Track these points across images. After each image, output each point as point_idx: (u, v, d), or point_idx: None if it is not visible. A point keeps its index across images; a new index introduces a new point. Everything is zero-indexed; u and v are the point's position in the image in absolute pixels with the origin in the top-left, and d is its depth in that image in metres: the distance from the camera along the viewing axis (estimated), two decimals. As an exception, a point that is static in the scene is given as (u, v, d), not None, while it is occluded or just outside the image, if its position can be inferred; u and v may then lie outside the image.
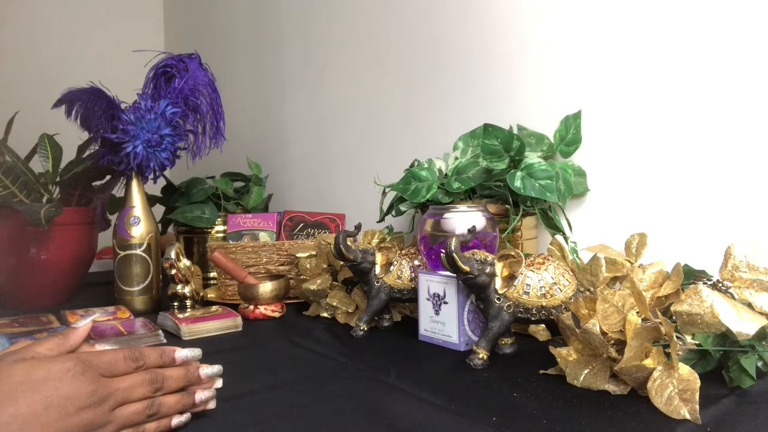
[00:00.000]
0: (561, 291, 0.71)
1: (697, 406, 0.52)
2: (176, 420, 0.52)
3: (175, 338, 0.88)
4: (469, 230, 0.74)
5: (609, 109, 0.93)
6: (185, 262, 1.00)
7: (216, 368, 0.56)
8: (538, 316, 0.71)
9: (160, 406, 0.50)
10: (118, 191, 1.23)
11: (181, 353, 0.54)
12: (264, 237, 1.29)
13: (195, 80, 1.15)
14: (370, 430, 0.52)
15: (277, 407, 0.58)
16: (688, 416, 0.52)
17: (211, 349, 0.81)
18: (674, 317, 0.58)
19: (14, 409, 0.41)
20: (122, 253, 1.09)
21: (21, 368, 0.44)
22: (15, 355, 0.46)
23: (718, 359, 0.62)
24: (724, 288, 0.62)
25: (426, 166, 0.98)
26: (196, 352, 0.56)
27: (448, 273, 0.76)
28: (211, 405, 0.56)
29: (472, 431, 0.51)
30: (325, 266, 1.03)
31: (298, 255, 1.06)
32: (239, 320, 0.93)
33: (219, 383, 0.57)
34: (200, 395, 0.54)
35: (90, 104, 1.09)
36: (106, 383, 0.47)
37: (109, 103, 1.07)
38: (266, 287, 1.00)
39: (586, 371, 0.62)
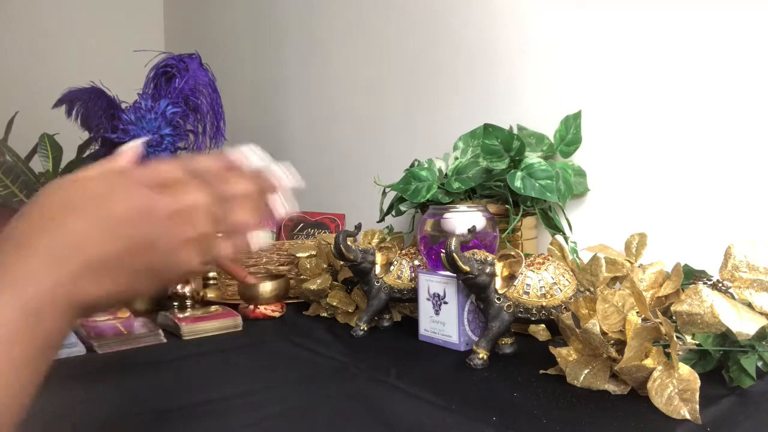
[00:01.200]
0: (561, 291, 0.71)
1: (697, 406, 0.52)
2: (254, 239, 0.43)
3: (175, 338, 0.88)
4: (469, 230, 0.74)
5: (609, 109, 0.93)
6: (185, 262, 0.99)
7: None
8: (538, 316, 0.71)
9: (230, 222, 0.41)
10: (118, 191, 1.23)
11: (247, 157, 0.44)
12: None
13: (195, 80, 1.15)
14: (370, 430, 0.52)
15: (277, 407, 0.58)
16: (688, 416, 0.52)
17: (211, 348, 0.81)
18: (674, 317, 0.58)
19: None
20: (122, 253, 1.09)
21: (61, 187, 0.37)
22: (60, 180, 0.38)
23: (718, 359, 0.62)
24: (724, 288, 0.62)
25: (426, 166, 0.98)
26: (264, 157, 0.45)
27: (448, 273, 0.76)
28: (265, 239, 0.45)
29: (472, 431, 0.51)
30: (325, 266, 1.03)
31: (298, 255, 1.06)
32: (239, 320, 0.93)
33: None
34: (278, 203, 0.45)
35: (90, 104, 1.09)
36: (159, 198, 0.38)
37: (109, 102, 1.07)
38: (266, 287, 1.00)
39: (586, 371, 0.62)
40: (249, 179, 0.43)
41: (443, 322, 0.80)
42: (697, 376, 0.54)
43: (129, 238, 0.36)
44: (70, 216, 0.35)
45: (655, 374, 0.56)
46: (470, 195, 0.96)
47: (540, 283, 0.71)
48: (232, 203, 0.42)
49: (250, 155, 0.44)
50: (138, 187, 0.38)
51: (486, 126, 0.90)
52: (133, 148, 0.43)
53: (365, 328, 0.87)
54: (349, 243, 0.88)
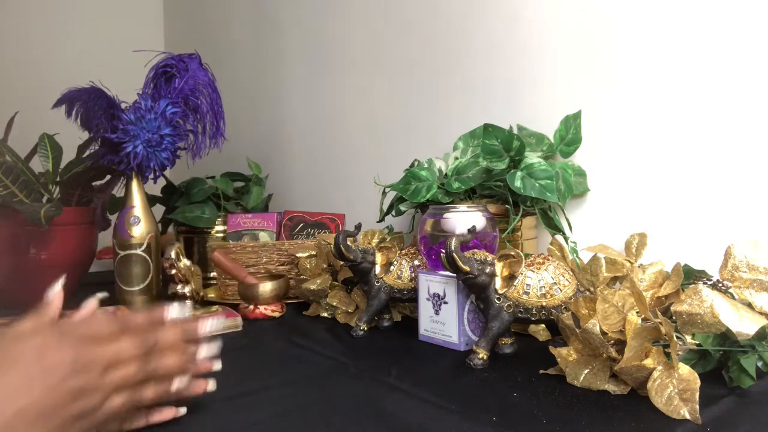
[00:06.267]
0: (561, 291, 0.71)
1: (697, 406, 0.52)
2: (177, 383, 0.50)
3: (175, 338, 0.87)
4: (469, 230, 0.74)
5: (609, 109, 0.93)
6: (185, 262, 1.00)
7: (214, 322, 0.54)
8: (538, 316, 0.71)
9: (156, 368, 0.48)
10: (118, 191, 1.23)
11: (171, 313, 0.52)
12: (264, 237, 1.29)
13: (195, 80, 1.15)
14: (370, 430, 0.52)
15: (277, 407, 0.58)
16: (688, 416, 0.52)
17: (211, 349, 0.81)
18: (674, 317, 0.58)
19: None
20: (122, 253, 1.09)
21: None
22: None
23: (718, 359, 0.62)
24: (724, 288, 0.62)
25: (426, 166, 0.98)
26: (186, 311, 0.54)
27: (448, 273, 0.76)
28: (211, 386, 0.55)
29: (472, 431, 0.51)
30: (325, 266, 1.03)
31: (298, 255, 1.06)
32: (239, 320, 0.93)
33: (218, 366, 0.57)
34: (202, 352, 0.52)
35: (90, 104, 1.09)
36: (88, 349, 0.45)
37: (109, 102, 1.07)
38: (266, 287, 1.00)
39: (586, 371, 0.62)
40: (174, 329, 0.51)
41: (443, 322, 0.80)
42: (697, 376, 0.54)
43: (61, 388, 0.41)
44: (3, 369, 0.40)
45: (655, 374, 0.56)
46: (470, 195, 0.96)
47: (540, 283, 0.71)
48: (159, 352, 0.49)
49: (173, 311, 0.53)
50: (70, 339, 0.44)
51: (486, 126, 0.90)
52: (57, 293, 0.49)
53: (365, 328, 0.87)
54: (349, 243, 0.88)
